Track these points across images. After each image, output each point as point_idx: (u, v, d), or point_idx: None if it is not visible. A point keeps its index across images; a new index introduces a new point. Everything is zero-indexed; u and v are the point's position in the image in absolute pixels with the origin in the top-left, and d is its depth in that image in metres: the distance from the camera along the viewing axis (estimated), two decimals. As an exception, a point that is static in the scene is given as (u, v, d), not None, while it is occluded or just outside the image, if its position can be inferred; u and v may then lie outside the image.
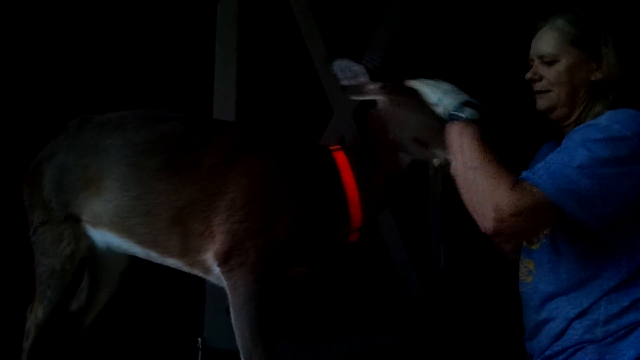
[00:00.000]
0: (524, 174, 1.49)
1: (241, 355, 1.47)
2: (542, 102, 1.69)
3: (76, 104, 2.33)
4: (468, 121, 1.55)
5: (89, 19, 2.51)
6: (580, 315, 1.57)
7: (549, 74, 1.66)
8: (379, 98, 1.68)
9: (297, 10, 2.85)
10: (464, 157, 1.52)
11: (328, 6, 2.97)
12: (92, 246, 1.70)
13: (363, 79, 1.68)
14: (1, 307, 2.18)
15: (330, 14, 2.97)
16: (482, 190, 1.48)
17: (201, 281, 2.43)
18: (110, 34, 2.55)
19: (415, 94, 1.64)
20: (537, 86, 1.69)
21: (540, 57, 1.67)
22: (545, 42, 1.67)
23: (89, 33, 2.50)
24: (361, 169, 1.61)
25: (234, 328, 1.47)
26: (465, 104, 1.57)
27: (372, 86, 1.68)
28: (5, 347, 1.94)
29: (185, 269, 1.61)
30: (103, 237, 1.66)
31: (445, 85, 1.65)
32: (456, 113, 1.56)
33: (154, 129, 1.63)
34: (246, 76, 2.63)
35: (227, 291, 1.50)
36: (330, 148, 1.66)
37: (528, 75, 1.71)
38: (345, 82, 1.69)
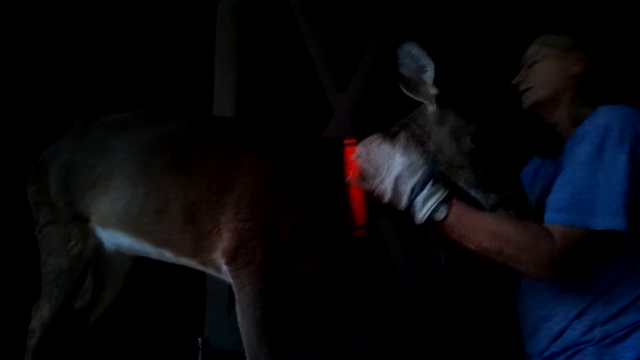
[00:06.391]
0: (562, 216, 1.47)
1: (247, 355, 1.46)
2: (525, 100, 1.77)
3: (76, 104, 2.34)
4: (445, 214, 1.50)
5: (88, 19, 2.51)
6: (580, 314, 1.58)
7: (530, 73, 1.76)
8: (428, 105, 1.52)
9: (296, 10, 2.86)
10: (471, 242, 1.50)
11: (328, 6, 2.97)
12: (98, 246, 1.68)
13: (427, 77, 1.49)
14: (4, 305, 2.18)
15: (330, 14, 2.97)
16: (520, 258, 1.47)
17: (201, 281, 2.45)
18: (110, 34, 2.55)
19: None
20: (521, 87, 1.78)
21: (524, 64, 1.79)
22: (529, 51, 1.80)
23: (88, 33, 2.50)
24: None
25: (239, 327, 1.46)
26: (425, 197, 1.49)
27: (432, 91, 1.50)
28: (8, 346, 1.93)
29: (200, 268, 1.60)
30: (113, 238, 1.64)
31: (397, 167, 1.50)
32: (429, 217, 1.50)
33: (159, 127, 1.63)
34: (246, 76, 2.63)
35: (234, 290, 1.49)
36: (345, 142, 1.59)
37: (513, 81, 1.81)
38: (403, 71, 1.49)
